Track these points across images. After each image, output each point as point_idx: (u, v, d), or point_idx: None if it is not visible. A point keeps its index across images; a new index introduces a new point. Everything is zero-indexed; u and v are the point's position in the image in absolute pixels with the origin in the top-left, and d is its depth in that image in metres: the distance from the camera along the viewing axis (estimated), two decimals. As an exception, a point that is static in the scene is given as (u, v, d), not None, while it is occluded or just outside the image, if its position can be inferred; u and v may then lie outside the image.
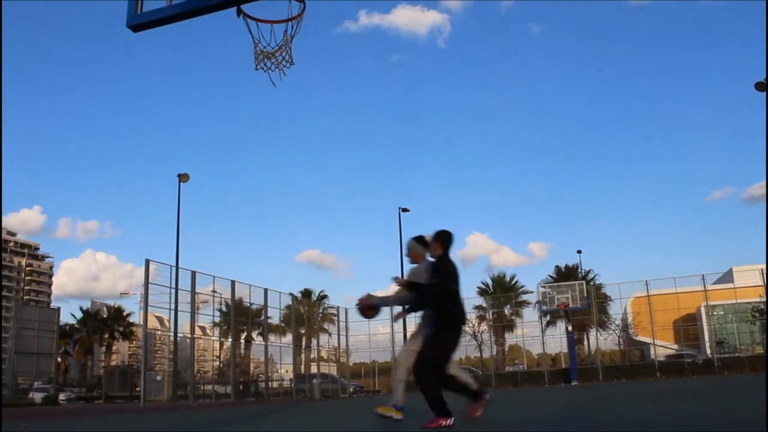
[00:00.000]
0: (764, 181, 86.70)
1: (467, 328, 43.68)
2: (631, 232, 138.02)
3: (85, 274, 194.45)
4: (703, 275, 37.49)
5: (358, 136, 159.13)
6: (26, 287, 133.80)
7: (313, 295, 50.69)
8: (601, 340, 42.22)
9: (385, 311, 40.79)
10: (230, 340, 33.30)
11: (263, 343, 34.48)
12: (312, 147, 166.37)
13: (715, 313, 41.91)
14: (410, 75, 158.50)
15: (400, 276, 6.99)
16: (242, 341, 41.23)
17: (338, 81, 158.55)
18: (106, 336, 60.13)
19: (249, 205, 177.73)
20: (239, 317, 33.85)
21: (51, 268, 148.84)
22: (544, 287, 41.47)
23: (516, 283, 49.60)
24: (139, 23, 6.70)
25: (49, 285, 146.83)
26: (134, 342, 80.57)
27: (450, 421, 5.99)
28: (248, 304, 33.94)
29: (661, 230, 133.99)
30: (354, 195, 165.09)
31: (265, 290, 32.67)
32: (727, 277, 47.20)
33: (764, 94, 25.03)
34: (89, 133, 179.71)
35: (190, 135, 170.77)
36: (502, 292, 47.11)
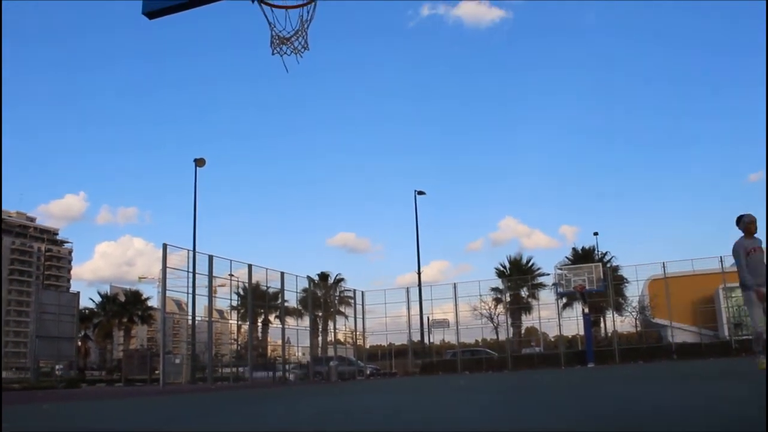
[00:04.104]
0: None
1: (483, 310, 43.76)
2: (651, 215, 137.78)
3: (120, 258, 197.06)
4: (720, 257, 37.29)
5: (391, 120, 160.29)
6: (46, 272, 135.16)
7: (330, 279, 50.86)
8: (618, 323, 42.19)
9: (389, 296, 40.52)
10: (248, 323, 33.56)
11: (280, 326, 34.73)
12: (344, 131, 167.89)
13: (733, 295, 41.60)
14: (460, 64, 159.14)
15: None
16: (259, 324, 41.53)
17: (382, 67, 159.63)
18: (125, 320, 60.77)
19: (276, 192, 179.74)
20: (256, 300, 34.07)
21: (70, 253, 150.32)
22: (560, 269, 41.36)
23: (532, 265, 49.53)
24: (154, 10, 6.76)
25: (69, 270, 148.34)
26: (153, 326, 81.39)
27: None
28: (265, 288, 34.14)
29: (682, 212, 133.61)
30: (386, 180, 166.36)
31: (282, 273, 32.84)
32: (746, 258, 46.75)
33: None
34: (131, 121, 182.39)
35: (228, 126, 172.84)
36: (519, 274, 47.03)
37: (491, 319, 44.48)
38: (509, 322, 42.92)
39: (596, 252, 49.25)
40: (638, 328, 44.80)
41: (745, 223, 9.32)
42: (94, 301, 61.74)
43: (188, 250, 27.64)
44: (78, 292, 39.48)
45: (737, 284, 35.44)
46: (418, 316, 41.72)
